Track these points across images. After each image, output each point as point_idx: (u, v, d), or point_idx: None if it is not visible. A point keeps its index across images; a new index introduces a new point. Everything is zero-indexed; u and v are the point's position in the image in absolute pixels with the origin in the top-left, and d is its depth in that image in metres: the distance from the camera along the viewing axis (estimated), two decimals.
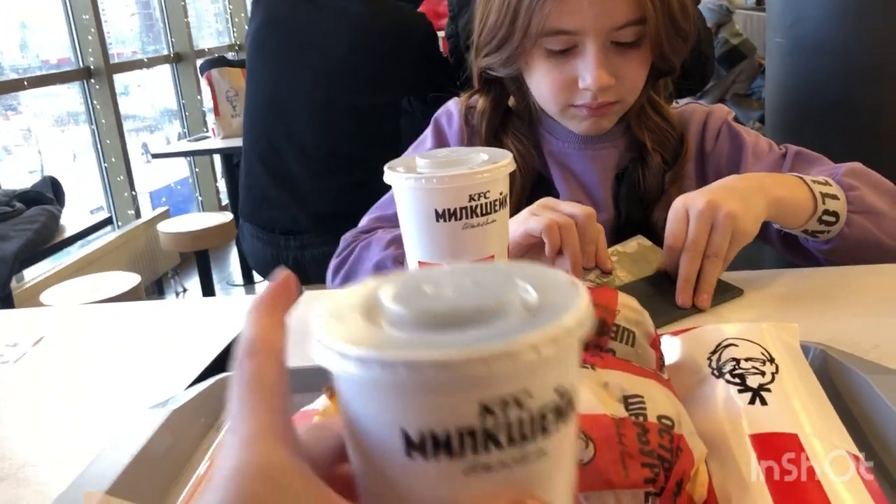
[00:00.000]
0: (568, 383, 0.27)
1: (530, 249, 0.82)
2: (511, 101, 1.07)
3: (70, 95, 4.15)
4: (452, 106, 1.11)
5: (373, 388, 0.26)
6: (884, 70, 2.10)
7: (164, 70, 4.90)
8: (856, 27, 2.08)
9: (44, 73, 3.95)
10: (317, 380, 0.37)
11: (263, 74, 2.14)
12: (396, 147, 2.24)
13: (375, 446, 0.27)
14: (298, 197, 2.10)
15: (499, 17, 0.93)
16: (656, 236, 1.00)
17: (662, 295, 0.83)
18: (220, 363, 0.77)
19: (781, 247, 0.98)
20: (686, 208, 0.81)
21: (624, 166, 1.03)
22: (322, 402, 0.50)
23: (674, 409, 0.48)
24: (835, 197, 0.88)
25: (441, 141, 1.09)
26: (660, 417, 0.47)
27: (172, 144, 4.42)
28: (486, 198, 0.67)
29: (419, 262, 0.71)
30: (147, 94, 5.05)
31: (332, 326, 0.27)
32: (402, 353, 0.25)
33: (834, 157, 2.08)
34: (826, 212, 0.87)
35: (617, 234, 1.02)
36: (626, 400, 0.47)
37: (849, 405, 0.58)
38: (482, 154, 0.71)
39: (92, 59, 4.03)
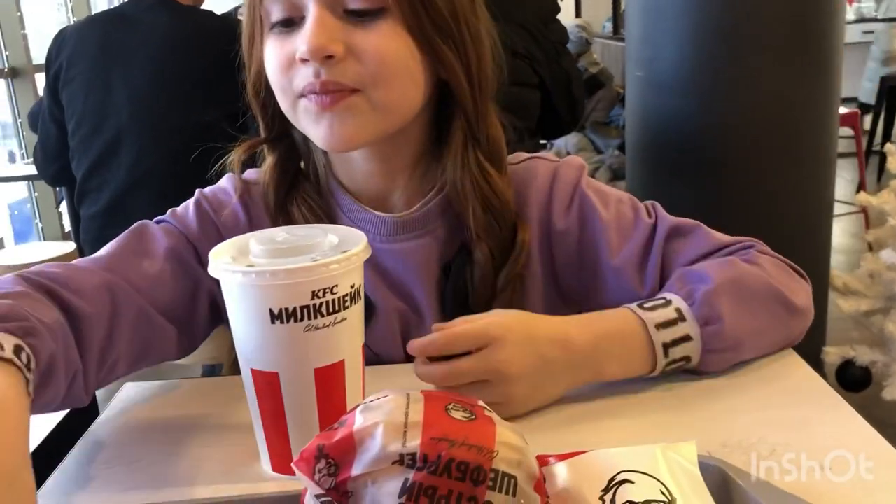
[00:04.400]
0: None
1: None
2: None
3: None
4: (227, 184, 0.90)
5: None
6: (734, 112, 2.13)
7: None
8: (708, 67, 2.10)
9: None
10: None
11: (81, 107, 1.94)
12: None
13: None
14: None
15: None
16: None
17: None
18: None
19: None
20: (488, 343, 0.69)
21: (448, 260, 0.84)
22: None
23: None
24: (686, 339, 0.74)
25: (205, 228, 0.85)
26: None
27: (6, 166, 4.03)
28: (332, 293, 0.56)
29: (251, 370, 0.58)
30: None
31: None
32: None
33: (686, 194, 2.10)
34: (672, 362, 0.74)
35: None
36: None
37: None
38: (331, 236, 0.59)
39: None
